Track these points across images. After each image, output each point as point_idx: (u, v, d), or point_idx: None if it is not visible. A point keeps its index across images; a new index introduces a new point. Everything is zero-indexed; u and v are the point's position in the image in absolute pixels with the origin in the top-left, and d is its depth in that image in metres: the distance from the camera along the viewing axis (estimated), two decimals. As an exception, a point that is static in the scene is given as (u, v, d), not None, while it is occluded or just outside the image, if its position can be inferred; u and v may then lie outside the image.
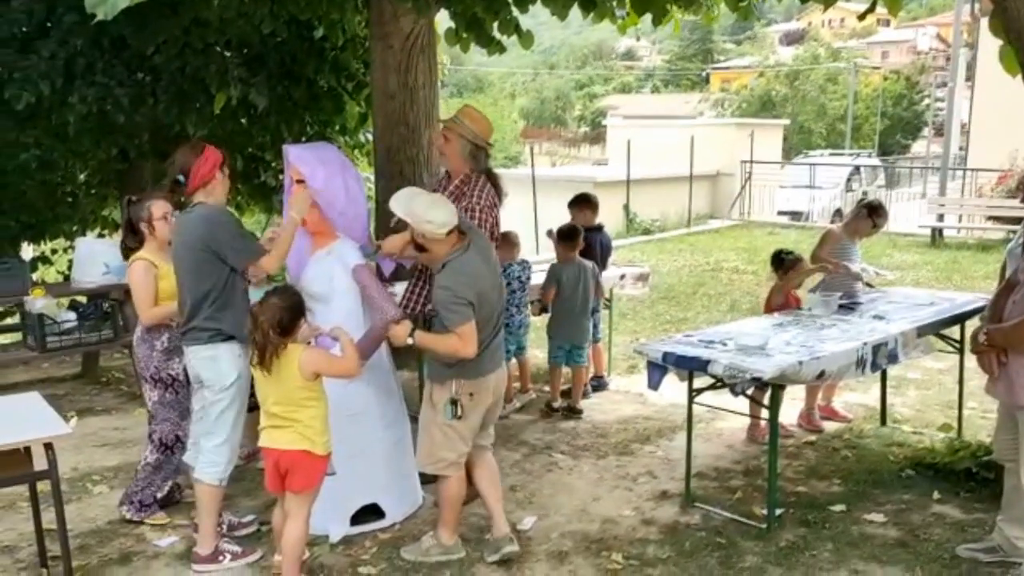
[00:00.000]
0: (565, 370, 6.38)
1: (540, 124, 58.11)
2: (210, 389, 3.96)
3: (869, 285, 6.10)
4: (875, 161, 25.77)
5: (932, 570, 3.94)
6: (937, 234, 15.37)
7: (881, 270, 7.66)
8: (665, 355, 4.41)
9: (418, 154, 7.01)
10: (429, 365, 3.90)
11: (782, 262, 5.75)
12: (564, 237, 6.09)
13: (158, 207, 4.38)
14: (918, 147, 45.14)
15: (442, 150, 4.65)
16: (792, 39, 63.46)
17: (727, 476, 5.09)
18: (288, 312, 3.46)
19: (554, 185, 16.00)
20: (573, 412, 6.18)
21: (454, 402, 3.76)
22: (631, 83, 66.09)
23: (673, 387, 4.95)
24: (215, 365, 3.91)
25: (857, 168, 21.72)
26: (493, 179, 4.56)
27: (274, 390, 3.54)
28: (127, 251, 4.56)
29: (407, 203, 3.78)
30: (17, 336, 7.05)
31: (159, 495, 4.54)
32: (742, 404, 5.08)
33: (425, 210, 3.71)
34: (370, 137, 8.54)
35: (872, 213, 5.82)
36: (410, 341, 3.80)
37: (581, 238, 6.10)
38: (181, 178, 3.94)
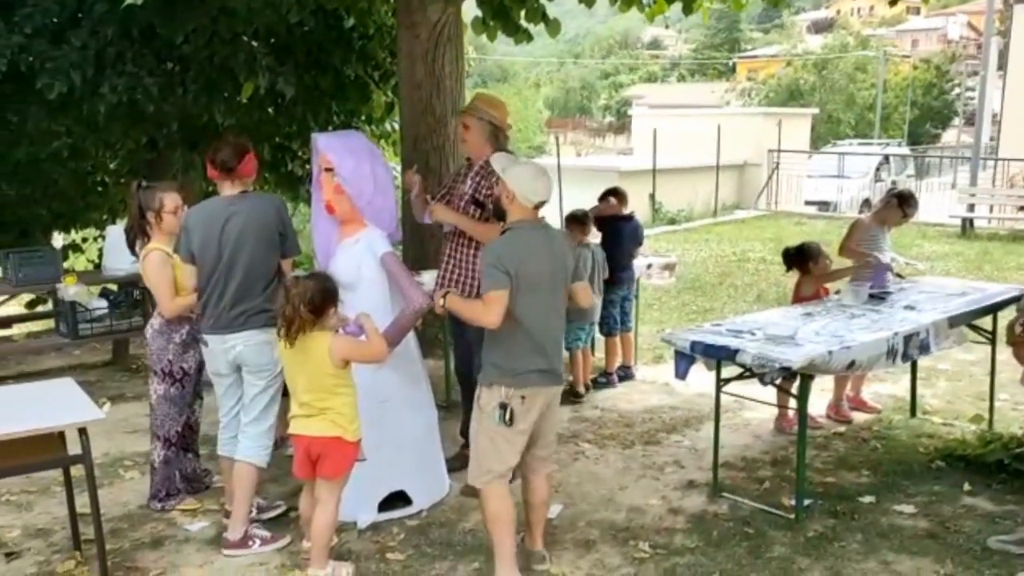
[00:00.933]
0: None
1: (565, 114, 58.01)
2: (261, 375, 4.04)
3: (899, 276, 6.04)
4: (904, 151, 25.48)
5: (962, 562, 3.90)
6: (967, 224, 15.20)
7: (912, 261, 7.58)
8: (693, 344, 4.40)
9: (444, 143, 7.01)
10: (482, 367, 3.67)
11: (802, 256, 5.67)
12: (574, 221, 6.22)
13: (171, 199, 4.35)
14: (948, 137, 44.58)
15: (463, 137, 4.67)
16: (820, 27, 62.79)
17: (755, 466, 5.07)
18: (320, 293, 3.48)
19: (579, 175, 15.96)
20: (576, 397, 6.21)
21: (503, 406, 3.50)
22: (657, 72, 65.65)
23: (700, 376, 4.92)
24: (271, 350, 3.92)
25: (886, 158, 21.47)
26: None
27: (304, 378, 3.57)
28: (133, 239, 4.53)
29: (508, 161, 3.75)
30: (50, 323, 7.16)
31: (180, 484, 4.59)
32: (770, 394, 5.07)
33: (526, 175, 3.62)
34: (396, 126, 8.55)
35: (902, 203, 5.76)
36: (442, 302, 3.74)
37: (591, 223, 6.28)
38: (227, 161, 4.00)
